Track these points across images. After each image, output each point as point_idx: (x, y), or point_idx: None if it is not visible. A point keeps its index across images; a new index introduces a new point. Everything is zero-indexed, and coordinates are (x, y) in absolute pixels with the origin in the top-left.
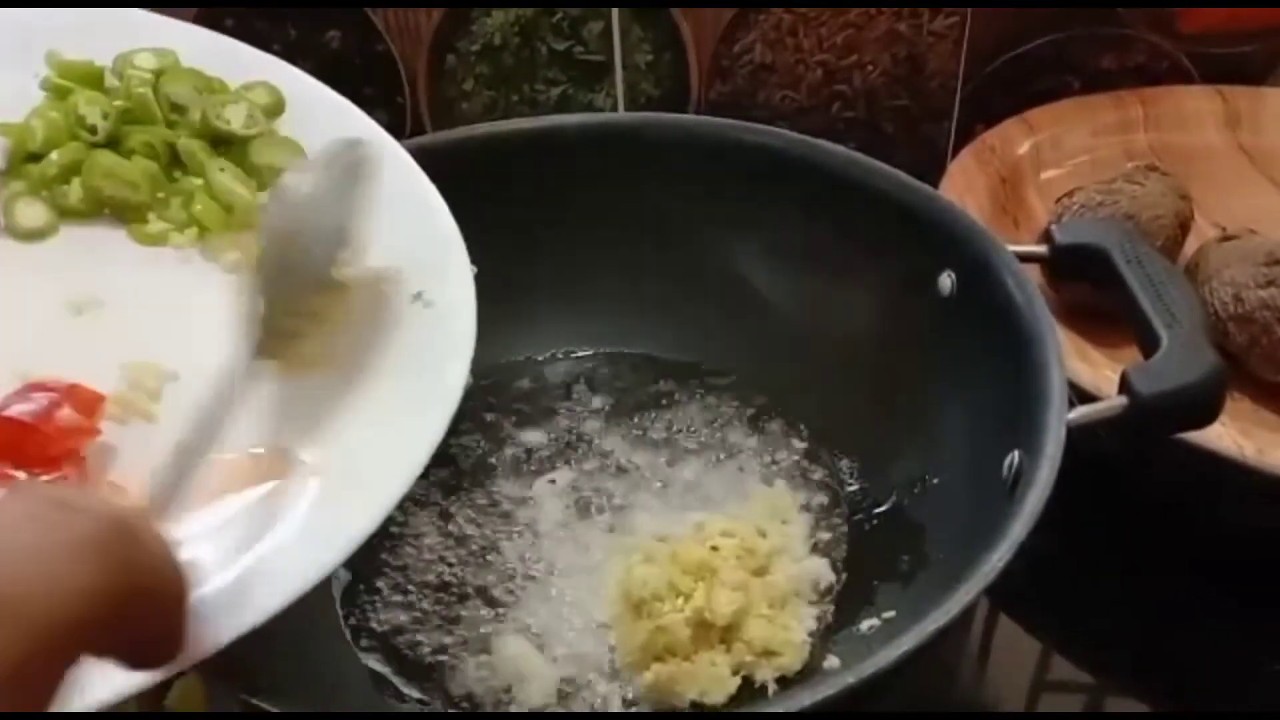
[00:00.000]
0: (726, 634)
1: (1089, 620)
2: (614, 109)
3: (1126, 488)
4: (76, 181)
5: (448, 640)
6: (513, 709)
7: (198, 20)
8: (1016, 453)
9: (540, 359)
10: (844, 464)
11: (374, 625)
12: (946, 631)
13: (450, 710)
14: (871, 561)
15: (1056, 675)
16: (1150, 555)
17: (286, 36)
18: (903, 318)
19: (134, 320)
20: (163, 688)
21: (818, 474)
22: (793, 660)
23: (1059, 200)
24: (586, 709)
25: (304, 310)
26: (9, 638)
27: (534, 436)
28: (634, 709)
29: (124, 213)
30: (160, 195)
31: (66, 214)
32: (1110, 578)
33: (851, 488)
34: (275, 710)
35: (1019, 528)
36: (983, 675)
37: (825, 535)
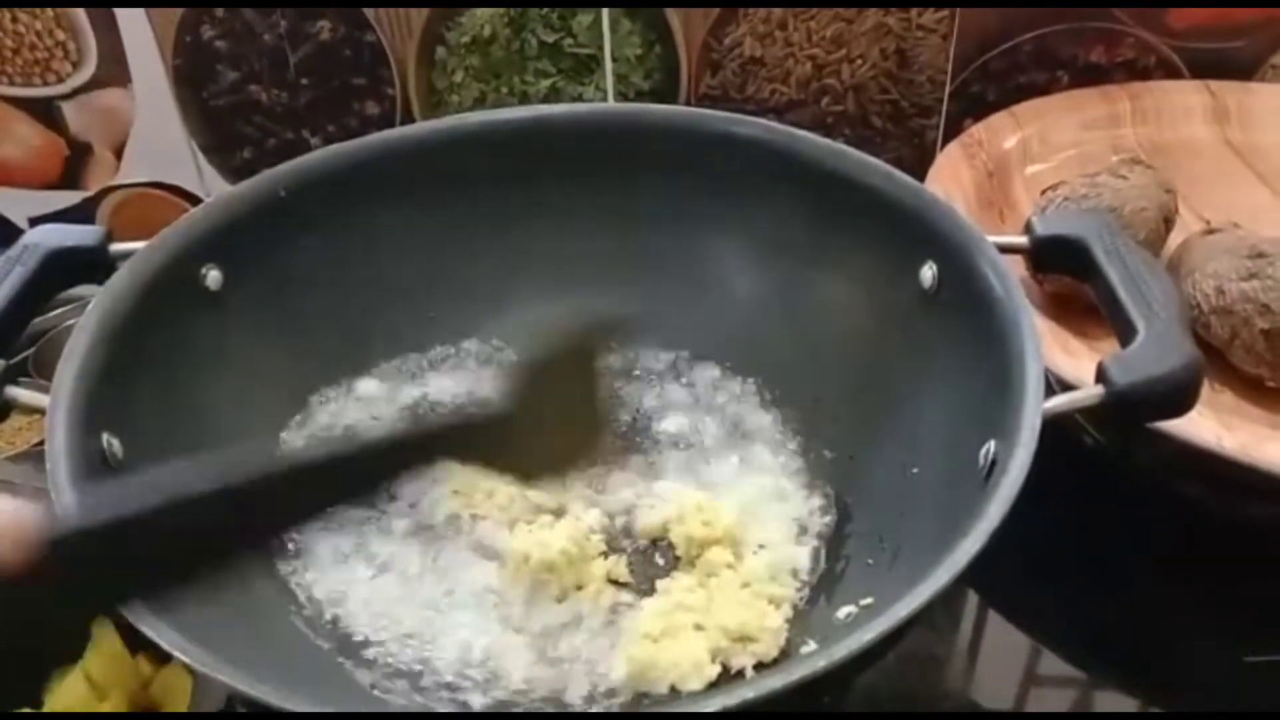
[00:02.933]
0: (703, 620)
1: (1078, 615)
2: (604, 102)
3: (1115, 484)
4: None
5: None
6: (493, 690)
7: (187, 12)
8: (992, 442)
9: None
10: (825, 453)
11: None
12: (918, 617)
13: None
14: (850, 549)
15: (1046, 670)
16: (1139, 550)
17: (276, 27)
18: (884, 309)
19: None
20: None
21: (797, 463)
22: (769, 647)
23: (1043, 193)
24: (565, 693)
25: None
26: None
27: None
28: (612, 698)
29: None
30: None
31: None
32: (1099, 573)
33: (831, 476)
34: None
35: (992, 516)
36: (972, 671)
37: (804, 523)
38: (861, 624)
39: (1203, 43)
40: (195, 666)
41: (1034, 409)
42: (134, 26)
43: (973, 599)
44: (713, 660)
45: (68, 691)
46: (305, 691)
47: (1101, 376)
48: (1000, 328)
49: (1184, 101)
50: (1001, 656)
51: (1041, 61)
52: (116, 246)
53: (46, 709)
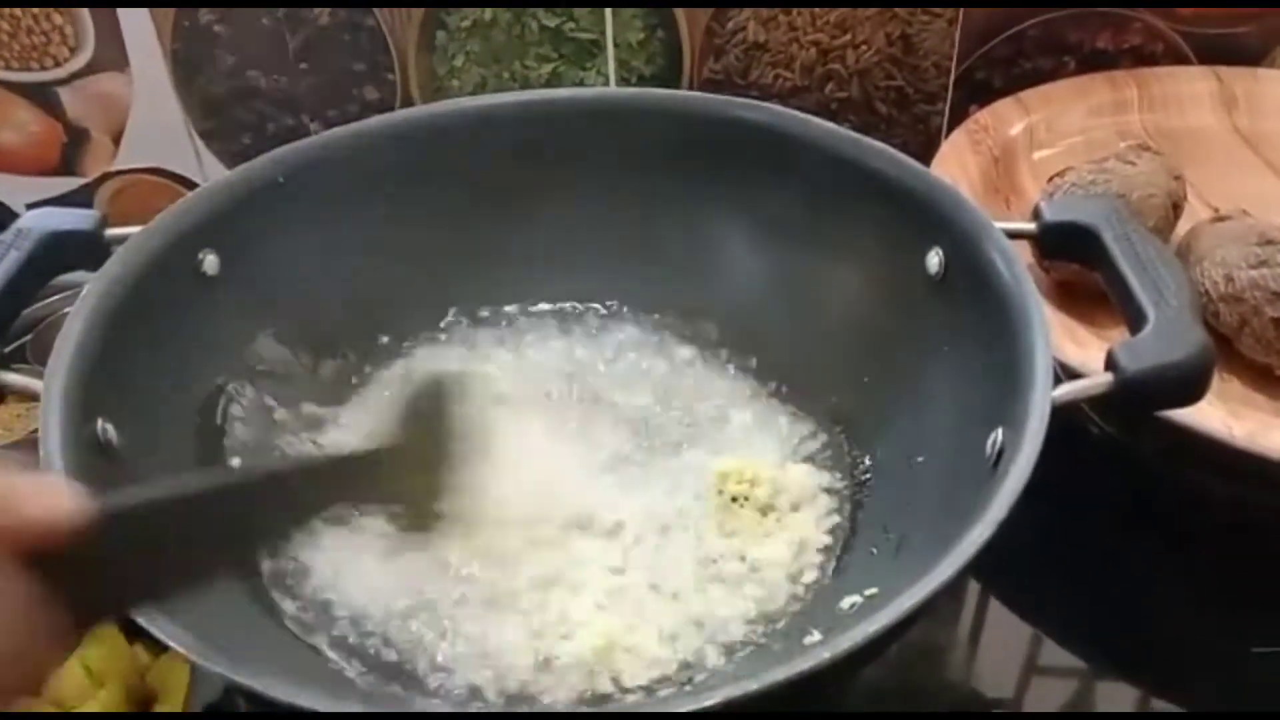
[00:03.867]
0: None
1: (1082, 605)
2: (606, 87)
3: (1121, 473)
4: None
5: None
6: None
7: None
8: (1000, 430)
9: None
10: (829, 442)
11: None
12: (925, 608)
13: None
14: (855, 539)
15: (1048, 660)
16: (1145, 540)
17: (275, 12)
18: (890, 295)
19: None
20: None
21: (801, 451)
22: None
23: (1050, 179)
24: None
25: None
26: None
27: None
28: None
29: None
30: None
31: None
32: (1103, 562)
33: (835, 465)
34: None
35: (999, 505)
36: (973, 660)
37: (809, 512)
38: (866, 615)
39: (1210, 29)
40: (191, 657)
41: (1043, 397)
42: (132, 11)
43: (974, 587)
44: None
45: (65, 679)
46: (303, 685)
47: (1111, 363)
48: (1008, 314)
49: (1191, 88)
50: (1003, 645)
51: (1048, 47)
52: (112, 231)
53: (44, 698)
